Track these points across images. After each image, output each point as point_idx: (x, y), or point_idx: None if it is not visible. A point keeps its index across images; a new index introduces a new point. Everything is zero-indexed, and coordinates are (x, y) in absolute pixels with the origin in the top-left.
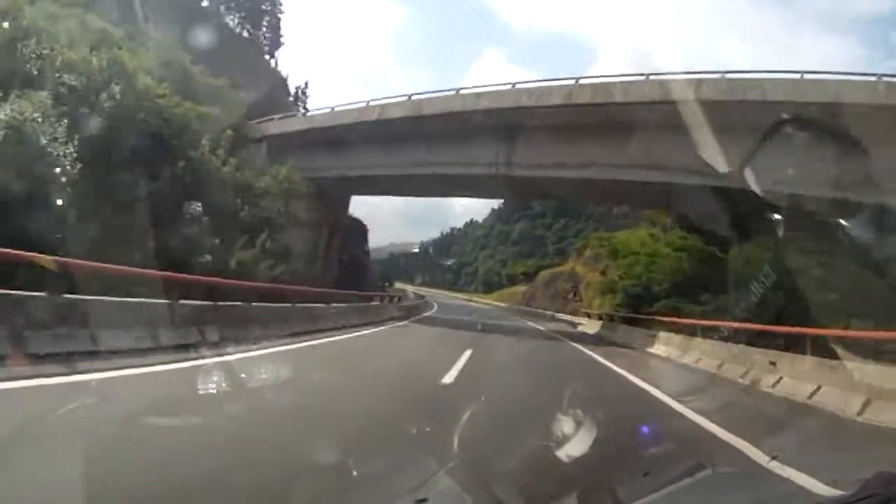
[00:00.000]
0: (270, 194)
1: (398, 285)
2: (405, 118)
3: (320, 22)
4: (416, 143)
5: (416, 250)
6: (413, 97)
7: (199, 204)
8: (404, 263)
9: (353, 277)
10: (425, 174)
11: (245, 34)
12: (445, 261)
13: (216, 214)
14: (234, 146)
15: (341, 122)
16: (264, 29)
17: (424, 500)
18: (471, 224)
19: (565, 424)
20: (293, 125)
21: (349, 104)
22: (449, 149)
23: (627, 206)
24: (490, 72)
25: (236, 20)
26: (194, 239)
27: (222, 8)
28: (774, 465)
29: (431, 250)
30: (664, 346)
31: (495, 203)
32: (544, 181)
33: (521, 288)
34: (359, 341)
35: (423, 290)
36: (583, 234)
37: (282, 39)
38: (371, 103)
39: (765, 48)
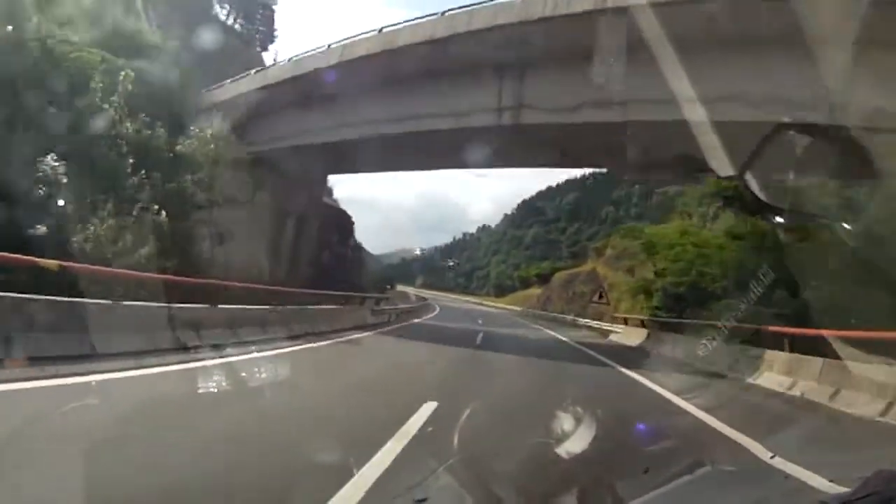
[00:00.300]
0: (197, 162)
1: (401, 288)
2: (375, 57)
3: (329, 27)
4: (391, 91)
5: (418, 252)
6: (385, 29)
7: (55, 156)
8: (417, 268)
9: (335, 277)
10: (406, 133)
11: (237, 27)
12: (447, 262)
13: (90, 177)
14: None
15: (300, 73)
16: (257, 22)
17: (424, 499)
18: (483, 229)
19: None
20: (245, 85)
21: (311, 51)
22: (435, 95)
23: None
24: None
25: (228, 12)
26: (39, 204)
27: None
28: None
29: (439, 254)
30: (789, 376)
31: (508, 209)
32: (562, 132)
33: (535, 291)
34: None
35: (428, 293)
36: (597, 238)
37: (276, 33)
38: (333, 46)
39: None
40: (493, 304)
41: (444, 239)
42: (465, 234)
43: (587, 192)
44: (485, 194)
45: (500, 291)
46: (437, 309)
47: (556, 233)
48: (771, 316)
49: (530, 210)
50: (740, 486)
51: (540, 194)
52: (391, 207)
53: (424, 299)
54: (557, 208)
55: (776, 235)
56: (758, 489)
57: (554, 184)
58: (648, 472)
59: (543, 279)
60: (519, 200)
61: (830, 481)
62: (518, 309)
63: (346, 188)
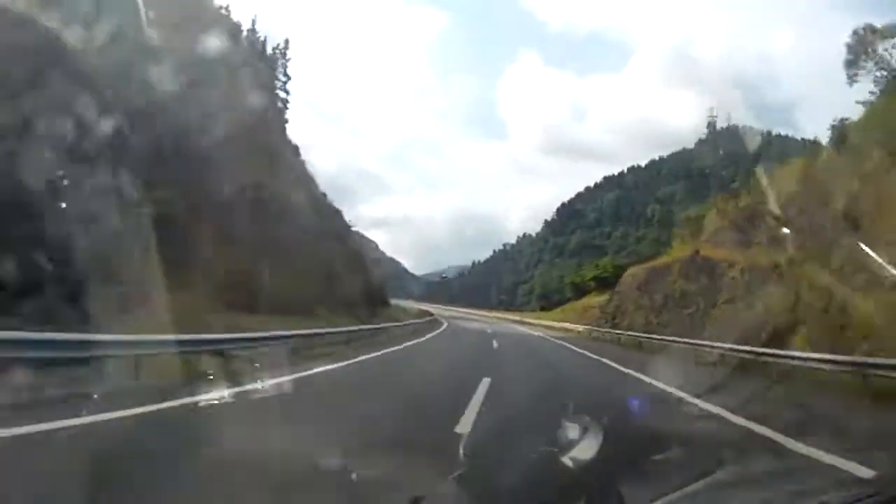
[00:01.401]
0: None
1: (402, 303)
2: None
3: (363, 33)
4: None
5: (457, 273)
6: None
7: None
8: (456, 286)
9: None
10: None
11: None
12: (443, 276)
13: None
14: None
15: None
16: None
17: (421, 497)
18: (524, 238)
19: None
20: None
21: None
22: None
23: None
24: (526, 75)
25: None
26: None
27: None
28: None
29: (479, 271)
30: None
31: (547, 215)
32: None
33: (596, 299)
34: None
35: (459, 312)
36: (645, 240)
37: None
38: None
39: (808, 33)
40: (534, 321)
41: (485, 253)
42: (505, 245)
43: (627, 189)
44: (521, 202)
45: (548, 304)
46: (442, 327)
47: (600, 238)
48: None
49: (570, 214)
50: (745, 490)
51: (579, 196)
52: (428, 226)
53: (430, 314)
54: (598, 210)
55: None
56: (763, 494)
57: (591, 183)
58: (657, 478)
59: (605, 283)
60: (557, 205)
61: (833, 481)
62: (581, 329)
63: (379, 208)
